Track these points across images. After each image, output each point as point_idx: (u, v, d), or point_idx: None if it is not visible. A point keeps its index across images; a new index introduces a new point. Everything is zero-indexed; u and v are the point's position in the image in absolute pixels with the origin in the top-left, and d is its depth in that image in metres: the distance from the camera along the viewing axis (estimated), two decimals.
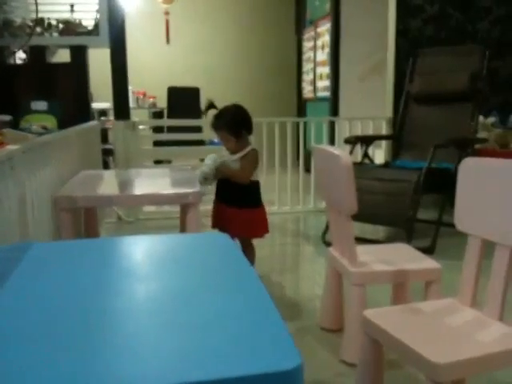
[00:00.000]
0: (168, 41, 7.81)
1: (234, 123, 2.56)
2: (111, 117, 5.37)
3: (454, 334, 1.43)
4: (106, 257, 1.41)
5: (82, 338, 0.87)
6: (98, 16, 4.00)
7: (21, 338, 0.87)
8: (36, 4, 3.83)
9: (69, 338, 0.87)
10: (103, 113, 6.02)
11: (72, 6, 4.09)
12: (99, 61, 4.45)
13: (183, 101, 6.45)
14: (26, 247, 1.50)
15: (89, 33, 4.03)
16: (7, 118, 3.67)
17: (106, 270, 1.28)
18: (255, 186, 2.64)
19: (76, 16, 4.14)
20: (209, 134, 3.92)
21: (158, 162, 5.59)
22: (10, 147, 1.83)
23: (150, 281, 1.19)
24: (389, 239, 3.70)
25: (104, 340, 0.87)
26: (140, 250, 1.51)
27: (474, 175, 1.56)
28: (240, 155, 2.57)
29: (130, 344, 0.86)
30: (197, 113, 6.26)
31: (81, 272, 1.25)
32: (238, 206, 2.56)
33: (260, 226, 2.63)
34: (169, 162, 5.80)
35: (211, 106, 2.63)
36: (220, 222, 2.61)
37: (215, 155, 2.61)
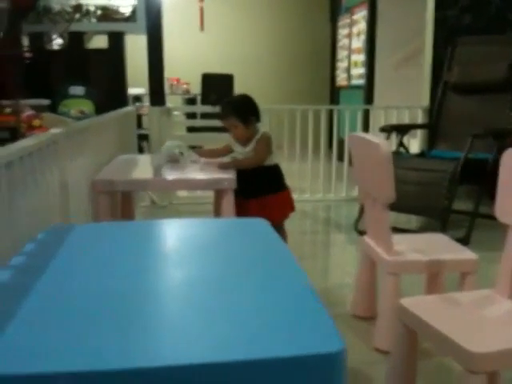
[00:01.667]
0: (202, 28, 7.82)
1: (243, 109, 2.56)
2: (146, 102, 5.42)
3: (491, 324, 1.42)
4: (145, 239, 1.44)
5: (119, 318, 0.90)
6: (136, 3, 4.03)
7: (61, 317, 0.91)
8: None
9: (106, 318, 0.90)
10: (138, 98, 6.08)
11: None
12: (134, 46, 4.50)
13: (217, 88, 6.46)
14: (67, 229, 1.54)
15: (126, 19, 4.08)
16: (45, 102, 3.75)
17: (145, 252, 1.31)
18: (274, 170, 2.62)
19: (114, 3, 4.18)
20: None
21: (191, 148, 5.63)
22: (54, 131, 1.88)
23: (189, 264, 1.21)
24: (422, 229, 3.67)
25: (142, 321, 0.89)
26: (178, 234, 1.54)
27: None
28: (253, 144, 2.56)
29: (168, 325, 0.88)
30: None
31: (120, 254, 1.28)
32: (263, 194, 2.55)
33: (286, 207, 2.63)
34: (200, 147, 5.83)
35: (218, 99, 2.66)
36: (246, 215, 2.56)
37: (179, 143, 2.63)
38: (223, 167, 2.51)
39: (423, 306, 1.50)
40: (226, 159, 2.64)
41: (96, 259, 1.25)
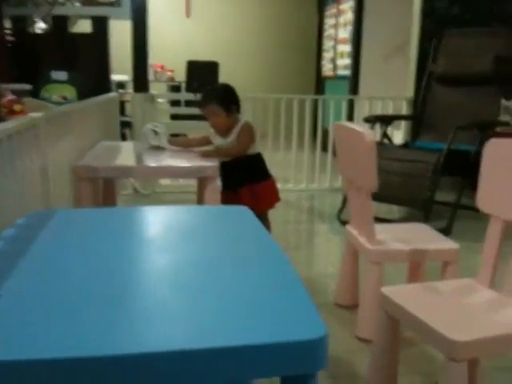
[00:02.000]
0: (188, 14, 7.75)
1: (226, 97, 2.54)
2: (129, 89, 5.36)
3: (472, 313, 1.43)
4: (127, 226, 1.43)
5: (102, 305, 0.88)
6: None
7: (42, 303, 0.89)
8: None
9: (88, 304, 0.88)
10: (121, 85, 6.01)
11: None
12: (119, 32, 4.43)
13: (202, 75, 6.41)
14: (48, 214, 1.52)
15: (111, 4, 4.01)
16: (27, 87, 3.68)
17: (127, 238, 1.29)
18: (257, 159, 2.61)
19: None
20: None
21: (174, 135, 5.59)
22: (34, 115, 1.84)
23: (173, 250, 1.20)
24: (405, 220, 3.69)
25: (123, 307, 0.88)
26: (162, 220, 1.52)
27: (499, 156, 1.55)
28: (235, 134, 2.54)
29: (152, 311, 0.87)
30: None
31: (102, 240, 1.27)
32: (249, 182, 2.54)
33: (272, 196, 2.63)
34: (185, 135, 5.80)
35: (203, 89, 2.66)
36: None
37: (156, 124, 2.65)
38: (206, 155, 2.49)
39: (405, 294, 1.51)
40: (208, 148, 2.62)
41: (77, 244, 1.23)
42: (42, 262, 1.09)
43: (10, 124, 1.56)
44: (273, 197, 2.63)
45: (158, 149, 2.64)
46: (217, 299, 0.90)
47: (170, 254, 1.16)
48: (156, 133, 2.61)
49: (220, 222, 1.46)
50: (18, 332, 0.78)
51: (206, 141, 2.67)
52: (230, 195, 2.53)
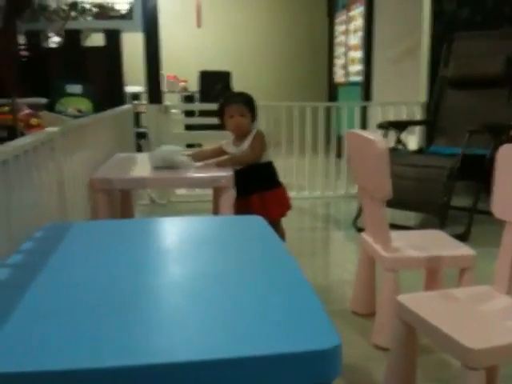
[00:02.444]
0: (199, 24, 7.81)
1: (252, 102, 2.59)
2: (143, 100, 5.41)
3: (489, 320, 1.42)
4: (144, 237, 1.44)
5: (120, 314, 0.90)
6: (132, 0, 4.02)
7: (60, 314, 0.91)
8: None
9: (107, 314, 0.90)
10: (135, 96, 6.07)
11: None
12: (132, 44, 4.49)
13: (214, 84, 6.46)
14: (65, 226, 1.54)
15: (122, 17, 4.07)
16: (43, 100, 3.74)
17: (144, 249, 1.31)
18: (268, 167, 2.62)
19: (109, 0, 4.17)
20: None
21: (189, 146, 5.63)
22: (50, 129, 1.87)
23: (188, 261, 1.22)
24: (421, 226, 3.67)
25: (141, 316, 0.90)
26: (177, 231, 1.54)
27: None
28: (248, 142, 2.55)
29: (167, 322, 0.88)
30: None
31: (118, 251, 1.29)
32: (260, 190, 2.55)
33: (283, 205, 2.63)
34: (199, 145, 5.83)
35: (226, 87, 2.64)
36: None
37: (178, 150, 2.60)
38: (221, 165, 2.51)
39: (421, 302, 1.50)
40: (222, 158, 2.63)
41: (94, 256, 1.25)
42: (59, 275, 1.11)
43: (27, 139, 1.58)
44: (284, 205, 2.63)
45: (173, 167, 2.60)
46: (230, 310, 0.91)
47: (185, 265, 1.18)
48: (177, 161, 2.58)
49: (234, 232, 1.47)
50: (34, 344, 0.79)
51: (220, 151, 2.68)
52: (241, 203, 2.54)
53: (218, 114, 2.61)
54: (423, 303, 1.50)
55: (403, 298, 1.51)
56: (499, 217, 1.55)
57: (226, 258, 1.22)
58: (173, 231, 1.55)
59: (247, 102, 2.56)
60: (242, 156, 2.56)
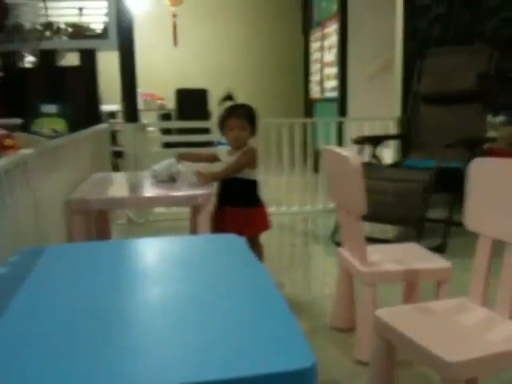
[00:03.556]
0: (176, 43, 7.84)
1: (254, 117, 2.61)
2: (120, 119, 5.39)
3: (466, 332, 1.44)
4: (120, 259, 1.43)
5: (97, 339, 0.89)
6: (107, 19, 4.03)
7: (35, 340, 0.89)
8: (45, 8, 3.87)
9: (83, 340, 0.89)
10: (112, 115, 6.05)
11: (81, 9, 4.13)
12: (107, 63, 4.48)
13: (191, 102, 6.48)
14: (40, 251, 1.52)
15: (98, 36, 4.06)
16: (18, 121, 3.70)
17: (120, 271, 1.30)
18: (254, 184, 2.63)
19: (85, 20, 4.17)
20: (217, 135, 3.94)
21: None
22: (24, 151, 1.86)
23: (164, 282, 1.21)
24: (399, 239, 3.71)
25: (118, 341, 0.89)
26: (153, 252, 1.53)
27: (484, 175, 1.57)
28: (238, 154, 2.57)
29: (144, 345, 0.88)
30: (205, 114, 6.30)
31: (95, 274, 1.27)
32: (237, 205, 2.56)
33: (260, 223, 2.63)
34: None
35: (229, 97, 2.64)
36: (220, 226, 2.54)
37: (174, 162, 2.64)
38: (203, 181, 2.52)
39: (398, 316, 1.51)
40: (213, 167, 2.67)
41: (70, 281, 1.23)
42: (32, 301, 1.10)
43: (0, 162, 1.57)
44: (261, 224, 2.63)
45: (171, 180, 2.62)
46: (205, 332, 0.91)
47: (162, 286, 1.17)
48: (178, 174, 2.63)
49: (210, 252, 1.47)
50: (11, 368, 0.78)
51: (214, 157, 2.71)
52: (218, 212, 2.56)
53: (219, 124, 2.64)
54: (401, 317, 1.51)
55: (381, 313, 1.52)
56: (471, 229, 1.58)
57: (203, 280, 1.22)
58: (150, 252, 1.54)
59: (248, 116, 2.58)
60: (221, 171, 2.57)
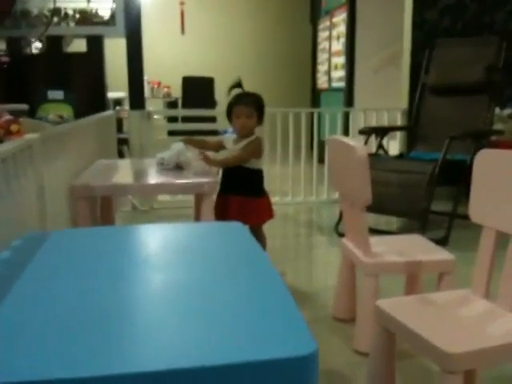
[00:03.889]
0: (183, 31, 7.82)
1: (262, 106, 2.61)
2: (126, 106, 5.39)
3: (467, 324, 1.44)
4: (124, 245, 1.44)
5: (98, 325, 0.89)
6: (115, 6, 4.01)
7: (38, 326, 0.90)
8: None
9: (85, 325, 0.89)
10: (118, 102, 6.05)
11: None
12: (114, 50, 4.47)
13: (197, 91, 6.46)
14: (44, 235, 1.53)
15: (105, 23, 4.05)
16: (24, 107, 3.71)
17: (124, 257, 1.30)
18: (257, 174, 2.63)
19: (92, 6, 4.16)
20: (223, 124, 3.94)
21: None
22: (29, 136, 1.86)
23: (166, 269, 1.21)
24: (402, 230, 3.70)
25: (120, 327, 0.89)
26: (156, 239, 1.53)
27: (489, 167, 1.56)
28: (244, 143, 2.57)
29: (145, 330, 0.88)
30: (211, 103, 6.28)
31: (98, 260, 1.28)
32: (242, 194, 2.56)
33: (264, 213, 2.64)
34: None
35: (238, 85, 2.64)
36: (223, 214, 2.56)
37: (183, 146, 2.63)
38: (210, 163, 2.52)
39: (400, 307, 1.51)
40: (218, 155, 2.67)
41: (73, 265, 1.24)
42: (37, 285, 1.10)
43: (5, 147, 1.57)
44: (264, 214, 2.63)
45: (179, 167, 2.62)
46: (206, 317, 0.91)
47: (164, 273, 1.17)
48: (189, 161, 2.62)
49: (214, 239, 1.47)
50: (10, 354, 0.79)
51: (220, 144, 2.71)
52: (221, 199, 2.56)
53: (227, 111, 2.64)
54: (402, 308, 1.51)
55: (382, 303, 1.52)
56: (476, 221, 1.58)
57: (206, 267, 1.22)
58: (153, 239, 1.55)
59: (255, 104, 2.58)
60: (228, 158, 2.57)
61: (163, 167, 2.61)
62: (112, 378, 0.74)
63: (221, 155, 2.67)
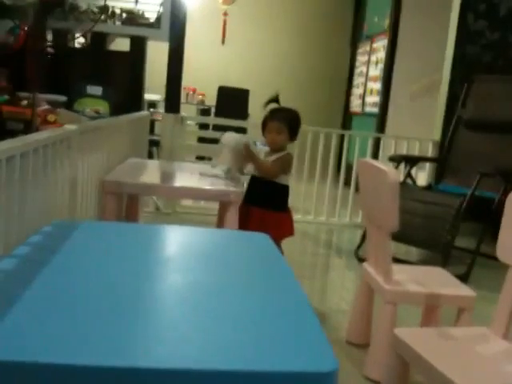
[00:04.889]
0: (223, 41, 7.90)
1: (295, 123, 2.61)
2: (160, 109, 5.45)
3: (484, 363, 1.42)
4: (146, 243, 1.46)
5: (116, 318, 0.91)
6: (162, 10, 4.08)
7: (60, 309, 0.92)
8: None
9: (104, 317, 0.91)
10: (153, 104, 6.12)
11: None
12: (155, 52, 4.54)
13: (232, 101, 6.52)
14: (73, 224, 1.55)
15: (150, 25, 4.11)
16: (62, 98, 3.78)
17: (147, 255, 1.32)
18: (285, 190, 2.64)
19: (140, 7, 4.23)
20: (254, 135, 3.96)
21: (200, 158, 5.67)
22: (68, 127, 1.90)
23: (188, 272, 1.22)
24: (422, 262, 3.66)
25: (134, 321, 0.91)
26: (181, 240, 1.55)
27: None
28: (274, 157, 2.58)
29: (160, 328, 0.89)
30: (243, 114, 6.33)
31: (122, 254, 1.30)
32: (266, 207, 2.56)
33: (285, 229, 2.63)
34: (210, 158, 5.86)
35: (275, 100, 2.65)
36: (244, 224, 2.53)
37: (238, 136, 2.58)
38: (249, 156, 2.51)
39: (418, 337, 1.50)
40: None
41: (97, 257, 1.26)
42: (61, 272, 1.12)
43: (47, 134, 1.61)
44: (285, 229, 2.62)
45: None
46: (229, 323, 0.92)
47: (186, 275, 1.18)
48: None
49: (239, 247, 1.48)
50: (33, 336, 0.81)
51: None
52: (243, 209, 2.56)
53: (262, 125, 2.66)
54: (420, 339, 1.49)
55: (400, 332, 1.51)
56: (504, 261, 1.56)
57: (230, 272, 1.23)
58: (177, 240, 1.56)
59: (287, 120, 2.57)
60: (262, 162, 2.58)
61: (226, 176, 2.54)
62: (129, 370, 0.75)
63: (261, 153, 2.65)
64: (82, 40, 4.60)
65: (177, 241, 1.56)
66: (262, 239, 1.53)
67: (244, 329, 0.90)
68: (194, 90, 7.44)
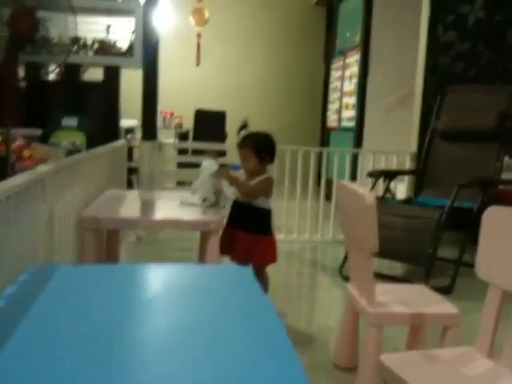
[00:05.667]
0: (198, 63, 7.94)
1: (262, 146, 2.61)
2: (137, 134, 5.44)
3: None
4: (128, 284, 1.44)
5: (100, 365, 0.90)
6: (133, 37, 4.09)
7: (40, 361, 0.90)
8: (75, 23, 3.94)
9: (87, 364, 0.90)
10: (129, 130, 6.11)
11: (108, 26, 4.20)
12: (127, 77, 4.53)
13: (209, 124, 6.53)
14: (52, 270, 1.53)
15: (123, 54, 4.12)
16: (38, 132, 3.75)
17: (127, 297, 1.31)
18: (268, 214, 2.64)
19: (111, 37, 4.24)
20: (232, 158, 3.97)
21: (180, 183, 5.66)
22: (42, 168, 1.88)
23: (169, 311, 1.22)
24: (406, 275, 3.68)
25: (121, 367, 0.90)
26: (161, 279, 1.54)
27: (498, 225, 1.57)
28: (256, 180, 2.59)
29: (146, 372, 0.89)
30: (221, 136, 6.34)
31: (103, 298, 1.28)
32: (249, 231, 2.57)
33: (269, 255, 2.63)
34: (190, 183, 5.85)
35: (244, 126, 2.67)
36: (229, 248, 2.57)
37: (215, 163, 2.59)
38: (224, 175, 2.54)
39: (403, 363, 1.50)
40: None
41: (77, 304, 1.24)
42: (41, 323, 1.11)
43: (19, 180, 1.59)
44: (270, 256, 2.62)
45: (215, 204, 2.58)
46: (206, 363, 0.92)
47: (166, 316, 1.18)
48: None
49: (219, 283, 1.47)
50: None
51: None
52: (228, 232, 2.56)
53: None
54: (405, 364, 1.49)
55: (386, 358, 1.51)
56: (483, 279, 1.57)
57: (209, 311, 1.22)
58: (158, 279, 1.55)
59: (251, 146, 2.58)
60: (243, 183, 2.60)
61: (206, 204, 2.55)
62: None
63: (239, 175, 2.67)
64: (56, 72, 4.59)
65: (156, 280, 1.55)
66: (242, 273, 1.53)
67: (220, 369, 0.90)
68: (172, 114, 7.44)
